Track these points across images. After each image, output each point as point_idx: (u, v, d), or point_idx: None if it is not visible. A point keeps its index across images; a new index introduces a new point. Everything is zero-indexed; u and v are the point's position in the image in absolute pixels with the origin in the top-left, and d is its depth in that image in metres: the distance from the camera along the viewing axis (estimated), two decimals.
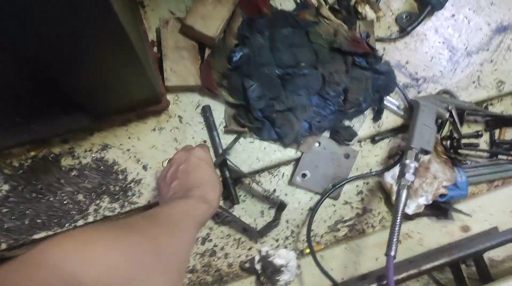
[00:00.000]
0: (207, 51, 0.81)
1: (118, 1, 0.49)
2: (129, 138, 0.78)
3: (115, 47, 0.55)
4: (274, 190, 0.84)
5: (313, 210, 0.82)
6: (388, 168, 0.86)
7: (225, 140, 0.81)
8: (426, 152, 0.75)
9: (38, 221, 0.71)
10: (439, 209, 0.86)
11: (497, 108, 0.96)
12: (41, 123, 0.72)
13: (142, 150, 0.78)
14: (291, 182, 0.84)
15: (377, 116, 0.86)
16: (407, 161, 0.72)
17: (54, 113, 0.72)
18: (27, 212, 0.71)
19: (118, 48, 0.55)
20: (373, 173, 0.87)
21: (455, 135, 0.87)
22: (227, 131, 0.82)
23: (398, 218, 0.63)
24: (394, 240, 0.61)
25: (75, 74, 0.59)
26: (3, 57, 0.68)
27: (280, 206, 0.81)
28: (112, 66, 0.59)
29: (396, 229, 0.62)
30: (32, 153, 0.73)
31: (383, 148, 0.90)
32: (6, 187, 0.72)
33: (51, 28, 0.47)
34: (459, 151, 0.88)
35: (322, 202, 0.83)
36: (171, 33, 0.80)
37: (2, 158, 0.72)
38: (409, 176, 0.70)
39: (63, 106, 0.71)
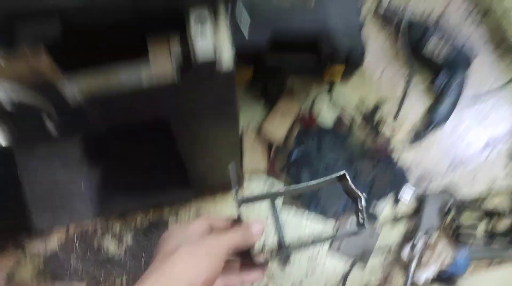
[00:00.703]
0: (274, 148, 1.15)
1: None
2: (215, 206, 1.09)
3: (229, 149, 0.89)
4: (318, 252, 1.11)
5: (346, 274, 1.08)
6: (403, 245, 1.12)
7: (282, 213, 1.11)
8: (431, 234, 1.02)
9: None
10: (446, 281, 1.10)
11: (490, 203, 1.23)
12: (160, 195, 1.05)
13: (223, 216, 1.08)
14: (330, 249, 1.12)
15: (395, 204, 1.15)
16: (417, 239, 0.99)
17: (169, 188, 1.05)
18: (143, 254, 1.01)
19: (229, 146, 0.89)
20: (392, 248, 1.13)
21: (456, 222, 1.14)
22: (283, 204, 1.12)
23: (409, 277, 0.89)
24: None
25: (197, 162, 0.92)
26: (151, 150, 1.04)
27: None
28: (220, 156, 0.93)
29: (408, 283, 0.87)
30: (150, 215, 1.05)
31: (399, 229, 1.17)
32: (130, 238, 1.03)
33: (195, 128, 0.79)
34: (460, 235, 1.14)
35: (352, 268, 1.08)
36: (250, 135, 1.15)
37: (130, 216, 1.04)
38: (417, 250, 0.96)
39: (177, 184, 1.04)
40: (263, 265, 0.56)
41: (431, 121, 1.25)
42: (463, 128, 1.29)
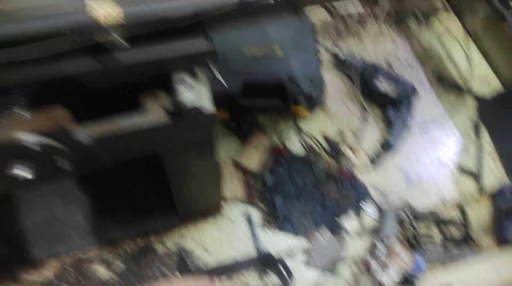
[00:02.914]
0: (250, 177, 1.30)
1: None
2: (197, 231, 1.22)
3: (210, 178, 1.04)
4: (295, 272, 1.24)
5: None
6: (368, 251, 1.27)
7: (261, 235, 1.24)
8: (390, 240, 1.18)
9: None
10: (408, 282, 1.24)
11: (444, 214, 1.40)
12: (149, 222, 1.17)
13: (206, 240, 1.21)
14: (306, 263, 1.25)
15: (358, 217, 1.31)
16: (379, 244, 1.15)
17: (157, 216, 1.18)
18: (133, 278, 1.12)
19: (211, 176, 1.04)
20: (358, 254, 1.27)
21: (413, 232, 1.30)
22: (261, 226, 1.26)
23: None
24: None
25: (183, 190, 1.06)
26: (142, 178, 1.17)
27: None
28: (203, 185, 1.07)
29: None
30: (138, 242, 1.17)
31: (364, 239, 1.31)
32: (121, 264, 1.14)
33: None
34: (417, 243, 1.30)
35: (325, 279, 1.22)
36: (228, 166, 1.30)
37: (120, 244, 1.16)
38: (380, 252, 1.12)
39: (164, 211, 1.17)
40: None
41: (386, 146, 1.44)
42: (416, 150, 1.48)
